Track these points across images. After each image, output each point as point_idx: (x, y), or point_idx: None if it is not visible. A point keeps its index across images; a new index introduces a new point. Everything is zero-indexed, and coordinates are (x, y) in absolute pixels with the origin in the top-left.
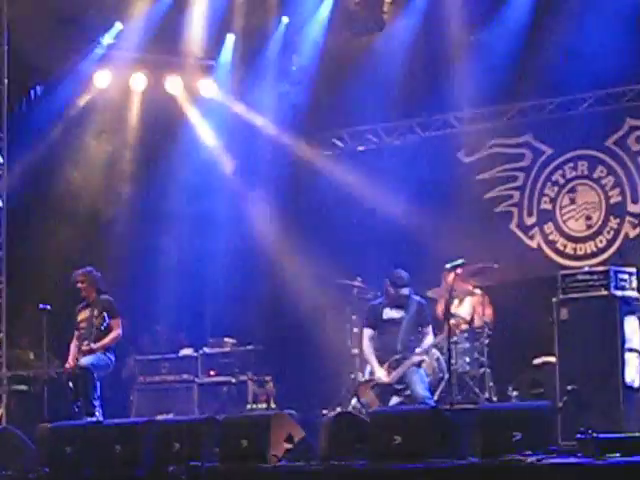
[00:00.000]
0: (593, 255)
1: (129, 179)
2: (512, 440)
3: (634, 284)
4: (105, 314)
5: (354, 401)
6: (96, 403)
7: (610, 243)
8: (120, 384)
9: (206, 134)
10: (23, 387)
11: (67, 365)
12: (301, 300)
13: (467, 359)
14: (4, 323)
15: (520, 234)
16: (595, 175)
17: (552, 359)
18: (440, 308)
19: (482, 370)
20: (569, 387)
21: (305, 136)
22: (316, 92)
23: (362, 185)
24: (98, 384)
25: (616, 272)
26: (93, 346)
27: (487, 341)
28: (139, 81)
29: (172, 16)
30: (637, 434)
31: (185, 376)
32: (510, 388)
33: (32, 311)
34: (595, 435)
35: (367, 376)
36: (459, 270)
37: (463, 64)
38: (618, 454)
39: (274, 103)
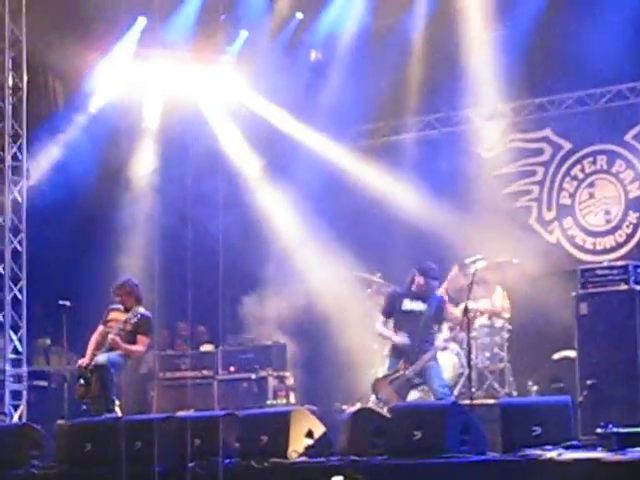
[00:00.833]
0: (612, 250)
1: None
2: (532, 435)
3: None
4: (139, 323)
5: (373, 397)
6: (114, 398)
7: (629, 237)
8: (140, 380)
9: (229, 132)
10: (43, 383)
11: (81, 363)
12: (321, 295)
13: (487, 354)
14: (24, 319)
15: (539, 229)
16: (614, 169)
17: (572, 354)
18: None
19: (502, 365)
20: (589, 381)
21: (326, 131)
22: (337, 88)
23: (382, 180)
24: (114, 381)
25: (635, 267)
26: (119, 341)
27: (507, 336)
28: (159, 78)
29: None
30: None
31: (205, 372)
32: (530, 383)
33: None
34: (615, 429)
35: (387, 371)
36: (479, 265)
37: (482, 59)
38: (639, 448)
39: (293, 98)
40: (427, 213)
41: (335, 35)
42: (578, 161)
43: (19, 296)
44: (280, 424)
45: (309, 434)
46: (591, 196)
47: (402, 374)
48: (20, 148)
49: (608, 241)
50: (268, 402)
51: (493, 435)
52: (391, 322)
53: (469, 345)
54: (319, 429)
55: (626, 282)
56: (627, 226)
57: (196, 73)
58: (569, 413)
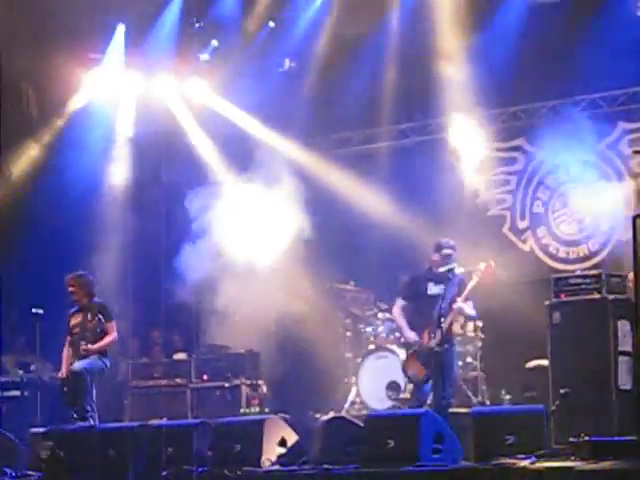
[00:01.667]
0: (585, 258)
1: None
2: (505, 444)
3: (626, 287)
4: (99, 317)
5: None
6: (89, 408)
7: (602, 246)
8: (114, 388)
9: (199, 137)
10: (15, 393)
11: (60, 375)
12: (295, 304)
13: (460, 363)
14: None
15: (513, 238)
16: (587, 179)
17: (545, 362)
18: None
19: (475, 373)
20: (562, 390)
21: (299, 140)
22: (311, 97)
23: (355, 189)
24: (93, 389)
25: (608, 275)
26: (90, 347)
27: (480, 345)
28: (132, 83)
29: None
30: (630, 437)
31: (178, 380)
32: (503, 391)
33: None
34: (588, 438)
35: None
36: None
37: (456, 68)
38: (611, 457)
39: (267, 107)
40: (401, 221)
41: (308, 43)
42: (551, 170)
43: None
44: (253, 432)
45: (282, 443)
46: (564, 205)
47: (426, 345)
48: None
49: (581, 250)
50: (241, 410)
51: (466, 444)
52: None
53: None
54: (292, 438)
55: (599, 291)
56: (600, 235)
57: (170, 81)
58: (542, 422)
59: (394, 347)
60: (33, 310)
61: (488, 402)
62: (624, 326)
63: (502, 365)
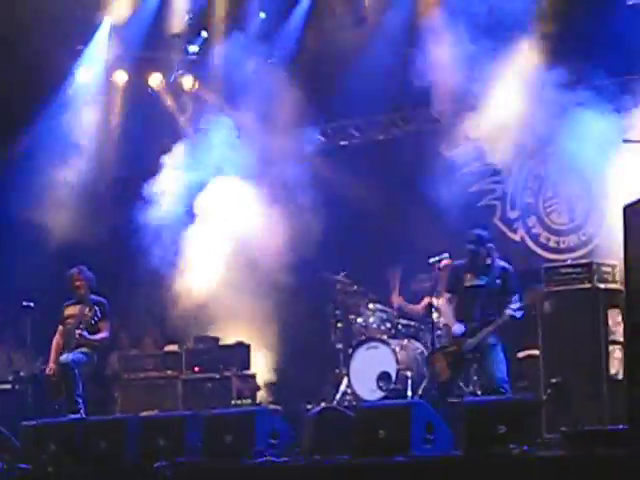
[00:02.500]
0: (576, 248)
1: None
2: (497, 433)
3: (617, 276)
4: (97, 309)
5: (425, 370)
6: (79, 400)
7: (593, 236)
8: (104, 381)
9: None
10: (6, 386)
11: (48, 369)
12: (286, 295)
13: None
14: None
15: (503, 228)
16: (578, 168)
17: (536, 352)
18: (424, 303)
19: None
20: (553, 380)
21: (287, 131)
22: (299, 86)
23: (344, 179)
24: (80, 381)
25: (599, 265)
26: (85, 334)
27: None
28: (121, 78)
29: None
30: (621, 426)
31: (169, 372)
32: None
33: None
34: (579, 428)
35: None
36: (443, 264)
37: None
38: (603, 446)
39: (255, 98)
40: (391, 212)
41: (295, 34)
42: (542, 160)
43: None
44: (245, 424)
45: (273, 434)
46: (555, 194)
47: (457, 348)
48: None
49: (572, 239)
50: (232, 402)
51: (458, 434)
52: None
53: (433, 344)
54: (283, 429)
55: (589, 280)
56: (591, 224)
57: (157, 75)
58: (534, 411)
59: (385, 337)
60: (24, 303)
61: (479, 392)
62: (615, 315)
63: None
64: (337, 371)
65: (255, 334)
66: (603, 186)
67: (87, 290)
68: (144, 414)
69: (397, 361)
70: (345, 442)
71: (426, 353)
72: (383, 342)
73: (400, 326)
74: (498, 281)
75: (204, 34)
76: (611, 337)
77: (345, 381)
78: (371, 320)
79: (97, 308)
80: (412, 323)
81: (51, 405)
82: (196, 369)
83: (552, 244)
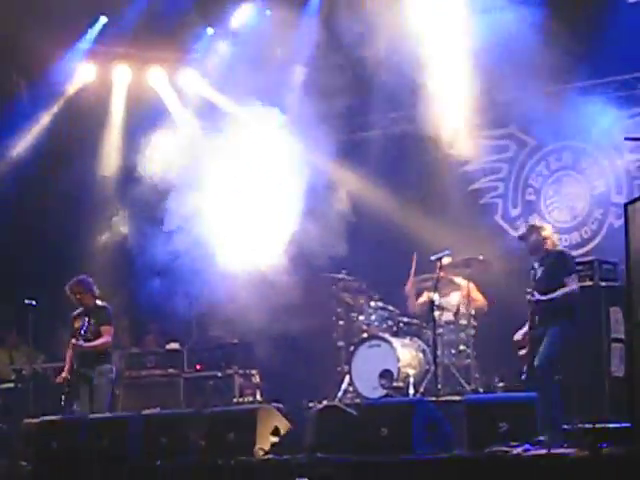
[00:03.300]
0: (578, 246)
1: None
2: (498, 431)
3: (618, 275)
4: (95, 316)
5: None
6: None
7: (595, 234)
8: None
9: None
10: (8, 385)
11: (61, 378)
12: (287, 293)
13: (453, 350)
14: None
15: (505, 225)
16: (579, 166)
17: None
18: (423, 299)
19: (468, 361)
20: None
21: (289, 128)
22: (303, 84)
23: (347, 177)
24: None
25: (601, 263)
26: (82, 344)
27: (473, 332)
28: (123, 74)
29: (156, 9)
30: (623, 424)
31: (171, 370)
32: (496, 379)
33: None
34: (581, 425)
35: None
36: (445, 261)
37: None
38: (604, 444)
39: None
40: (393, 210)
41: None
42: (543, 158)
43: None
44: (247, 422)
45: (276, 432)
46: (557, 192)
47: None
48: None
49: (574, 237)
50: (235, 400)
51: (459, 432)
52: None
53: (435, 342)
54: (286, 427)
55: (591, 278)
56: (592, 222)
57: (160, 72)
58: (535, 410)
59: (387, 335)
60: (26, 301)
61: (481, 390)
62: (616, 313)
63: (495, 353)
64: (339, 369)
65: (257, 332)
66: (604, 183)
67: (90, 299)
68: (146, 412)
69: (399, 359)
70: (347, 440)
71: (428, 351)
72: (385, 340)
73: (402, 324)
74: (551, 265)
75: (209, 31)
76: (613, 335)
77: (347, 379)
78: (373, 318)
79: (99, 314)
80: (414, 321)
81: (54, 402)
82: (198, 367)
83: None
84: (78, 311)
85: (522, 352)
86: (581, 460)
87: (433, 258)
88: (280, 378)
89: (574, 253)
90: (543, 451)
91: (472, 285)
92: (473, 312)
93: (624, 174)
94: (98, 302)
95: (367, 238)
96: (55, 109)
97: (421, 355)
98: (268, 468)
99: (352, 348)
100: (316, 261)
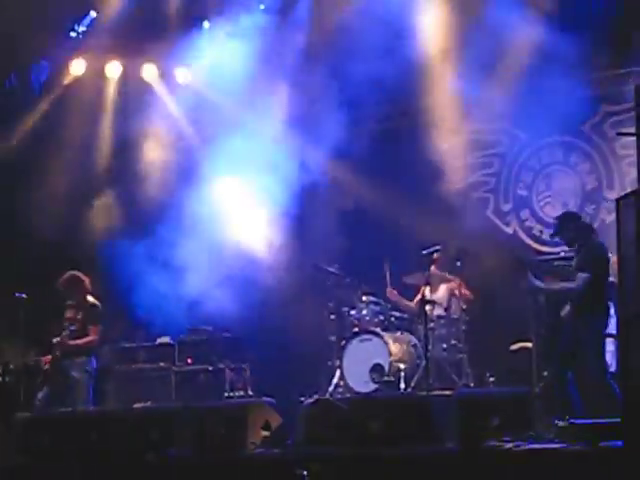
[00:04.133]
0: None
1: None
2: (490, 426)
3: (610, 269)
4: (83, 312)
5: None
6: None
7: None
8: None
9: (181, 121)
10: None
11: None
12: (279, 286)
13: (444, 345)
14: None
15: (496, 220)
16: (571, 161)
17: (529, 345)
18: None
19: (459, 356)
20: (546, 372)
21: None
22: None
23: (339, 171)
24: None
25: None
26: (65, 341)
27: (464, 327)
28: (114, 69)
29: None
30: (614, 419)
31: (162, 364)
32: (487, 374)
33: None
34: (572, 420)
35: None
36: (435, 256)
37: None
38: (596, 439)
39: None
40: (385, 204)
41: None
42: (535, 152)
43: None
44: (238, 416)
45: (267, 426)
46: (548, 187)
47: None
48: None
49: None
50: (225, 394)
51: (451, 426)
52: None
53: (426, 336)
54: (277, 421)
55: None
56: (584, 217)
57: (152, 67)
58: (527, 404)
59: (378, 330)
60: (16, 294)
61: (472, 384)
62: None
63: (487, 348)
64: (330, 363)
65: (248, 326)
66: (596, 178)
67: (80, 293)
68: (136, 406)
69: (390, 353)
70: (338, 434)
71: (419, 346)
72: (376, 334)
73: (393, 318)
74: (579, 260)
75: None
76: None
77: (338, 373)
78: (364, 312)
79: (88, 312)
80: (405, 315)
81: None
82: (189, 361)
83: (545, 236)
84: (71, 302)
85: (514, 347)
86: (570, 455)
87: (424, 252)
88: (271, 372)
89: (565, 248)
90: (534, 445)
91: (460, 280)
92: (464, 307)
93: (616, 169)
94: (89, 298)
95: (357, 232)
96: (45, 105)
97: (412, 349)
98: (258, 462)
99: (343, 342)
100: (309, 256)
